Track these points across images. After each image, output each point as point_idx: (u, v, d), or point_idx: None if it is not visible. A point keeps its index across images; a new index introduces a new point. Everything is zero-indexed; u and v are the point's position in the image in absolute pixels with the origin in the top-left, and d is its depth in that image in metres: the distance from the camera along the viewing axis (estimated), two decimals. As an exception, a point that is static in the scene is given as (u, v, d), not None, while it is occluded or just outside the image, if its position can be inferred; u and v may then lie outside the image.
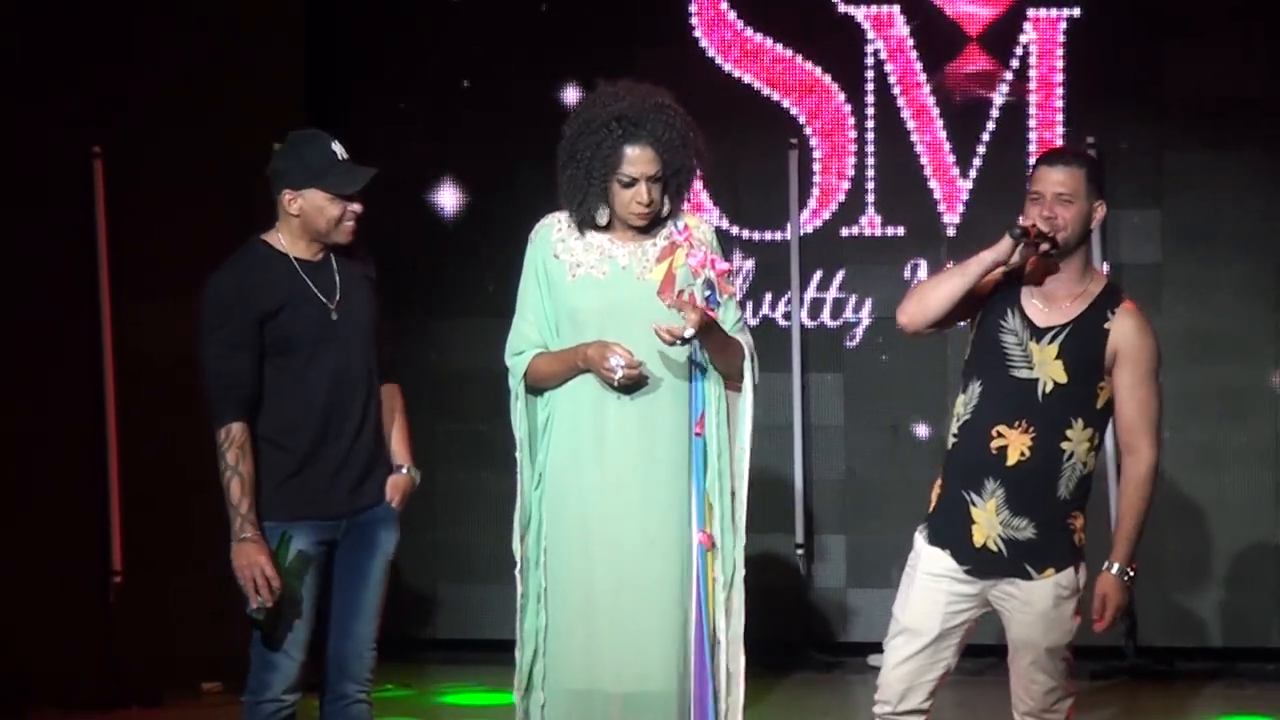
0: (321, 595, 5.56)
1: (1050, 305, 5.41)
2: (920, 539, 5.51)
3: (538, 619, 5.57)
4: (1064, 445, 5.35)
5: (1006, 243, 5.37)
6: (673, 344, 5.39)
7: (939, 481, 5.53)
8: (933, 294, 5.44)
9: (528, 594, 5.59)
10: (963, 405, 5.47)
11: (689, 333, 5.34)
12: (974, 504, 5.39)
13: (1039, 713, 5.45)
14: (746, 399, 5.58)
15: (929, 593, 5.44)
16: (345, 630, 5.59)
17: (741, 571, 5.56)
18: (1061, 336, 5.37)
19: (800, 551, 9.28)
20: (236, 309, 5.42)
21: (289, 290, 5.47)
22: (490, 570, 8.78)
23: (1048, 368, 5.36)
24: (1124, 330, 5.35)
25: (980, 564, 5.40)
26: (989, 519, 5.38)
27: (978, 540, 5.39)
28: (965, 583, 5.42)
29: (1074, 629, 5.39)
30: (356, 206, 5.51)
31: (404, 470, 5.68)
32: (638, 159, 5.45)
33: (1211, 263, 9.15)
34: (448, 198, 9.49)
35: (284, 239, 5.53)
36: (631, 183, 5.47)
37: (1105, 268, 9.08)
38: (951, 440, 5.49)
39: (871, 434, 9.33)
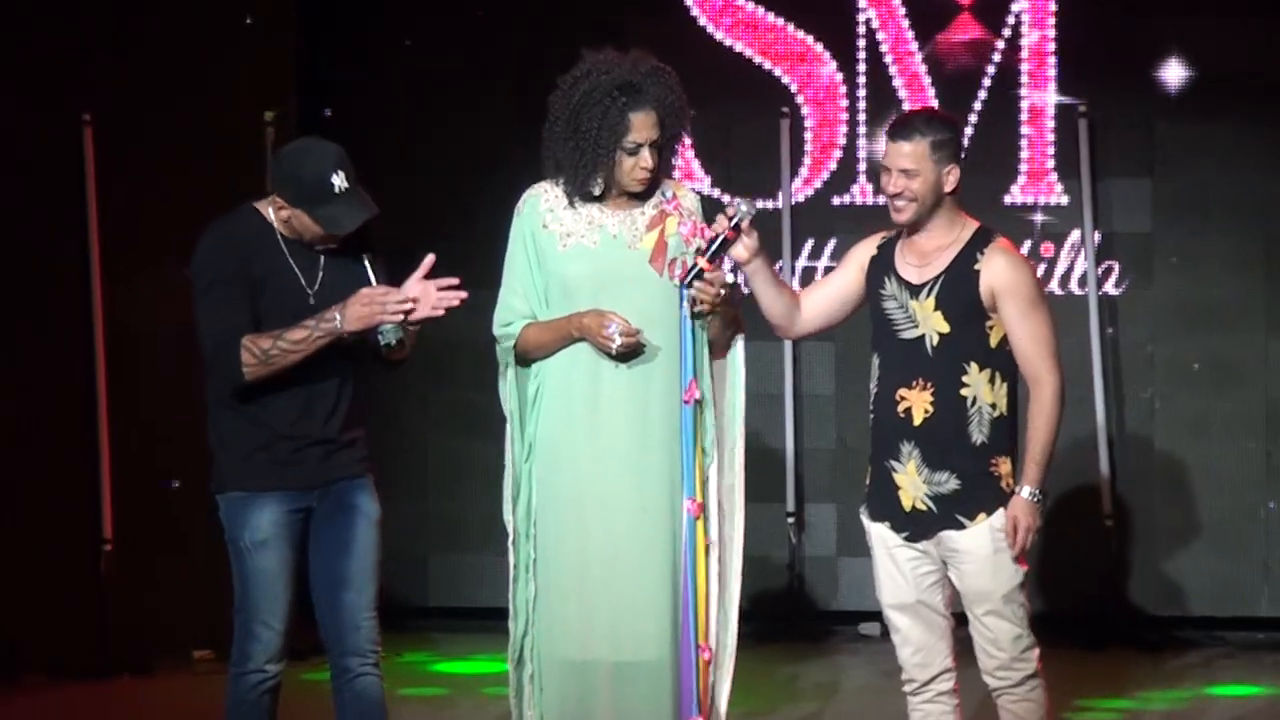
0: (303, 564, 5.48)
1: (924, 262, 5.46)
2: (864, 518, 5.59)
3: (527, 590, 5.57)
4: (964, 392, 5.40)
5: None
6: (716, 296, 5.40)
7: (869, 460, 5.58)
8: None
9: (518, 565, 5.58)
10: (872, 379, 5.55)
11: (730, 278, 5.36)
12: (895, 470, 5.47)
13: (1009, 663, 5.47)
14: (739, 365, 5.60)
15: (889, 565, 5.52)
16: (335, 601, 5.43)
17: (740, 539, 5.56)
18: (937, 288, 5.41)
19: (791, 520, 9.28)
20: (229, 266, 5.32)
21: (272, 264, 5.37)
22: (483, 539, 8.78)
23: (930, 321, 5.42)
24: (995, 268, 5.39)
25: (915, 527, 5.46)
26: (912, 481, 5.44)
27: (906, 504, 5.46)
28: (912, 547, 5.48)
29: (1021, 572, 5.43)
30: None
31: None
32: (643, 124, 5.44)
33: (1202, 232, 9.14)
34: (436, 168, 9.46)
35: (274, 213, 5.42)
36: (636, 149, 5.46)
37: (1097, 237, 9.09)
38: (870, 415, 5.56)
39: (862, 403, 9.24)
